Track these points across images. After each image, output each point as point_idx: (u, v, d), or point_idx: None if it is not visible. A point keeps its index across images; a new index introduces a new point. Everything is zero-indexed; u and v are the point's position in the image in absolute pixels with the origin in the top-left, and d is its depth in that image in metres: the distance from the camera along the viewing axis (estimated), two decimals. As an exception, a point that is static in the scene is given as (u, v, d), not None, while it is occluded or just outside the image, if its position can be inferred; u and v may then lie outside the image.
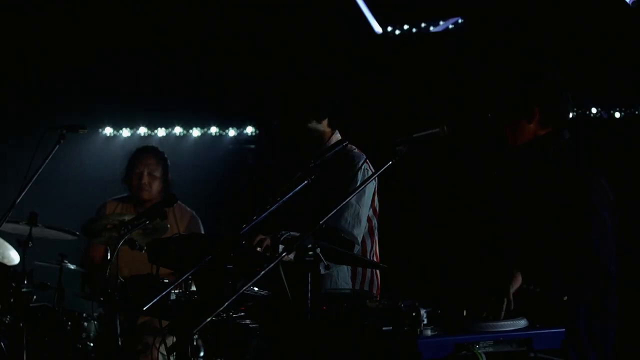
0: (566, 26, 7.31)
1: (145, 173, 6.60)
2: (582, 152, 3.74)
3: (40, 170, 5.18)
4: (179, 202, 6.44)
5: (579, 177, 3.60)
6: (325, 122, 4.60)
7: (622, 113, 7.55)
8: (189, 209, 6.73)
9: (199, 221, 6.75)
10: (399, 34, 8.52)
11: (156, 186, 6.61)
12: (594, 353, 3.61)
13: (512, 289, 3.35)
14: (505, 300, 3.30)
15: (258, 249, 4.07)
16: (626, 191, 6.24)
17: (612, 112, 7.58)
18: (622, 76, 7.35)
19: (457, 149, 6.98)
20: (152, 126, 9.70)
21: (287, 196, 3.81)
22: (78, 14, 8.67)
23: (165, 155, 6.83)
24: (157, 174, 6.63)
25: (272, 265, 3.25)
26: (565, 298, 3.46)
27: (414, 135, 3.52)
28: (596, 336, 3.62)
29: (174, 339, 4.31)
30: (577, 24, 7.28)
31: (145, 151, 6.77)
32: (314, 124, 4.57)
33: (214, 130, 9.62)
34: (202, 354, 5.60)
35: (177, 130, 9.67)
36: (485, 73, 3.86)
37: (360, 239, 4.44)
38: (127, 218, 5.41)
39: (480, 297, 3.34)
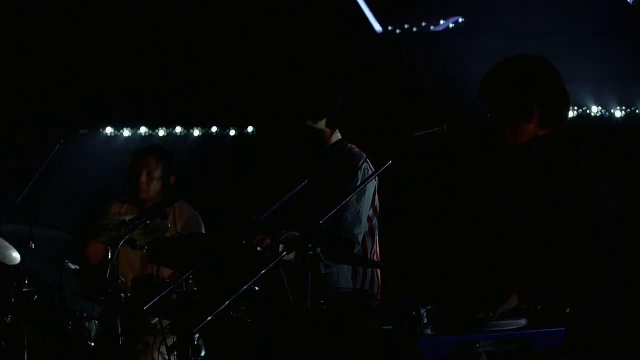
0: (566, 25, 7.31)
1: (144, 173, 6.60)
2: (583, 152, 3.73)
3: (41, 170, 5.18)
4: (181, 201, 6.46)
5: (579, 178, 3.59)
6: (323, 121, 4.60)
7: (623, 112, 7.55)
8: (190, 207, 6.73)
9: (200, 219, 6.74)
10: (399, 33, 8.53)
11: (154, 186, 6.60)
12: (595, 353, 3.60)
13: (502, 309, 3.33)
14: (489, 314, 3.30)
15: (258, 248, 4.07)
16: (627, 190, 6.25)
17: (612, 111, 7.58)
18: (623, 75, 7.35)
19: (457, 149, 6.98)
20: (153, 126, 9.70)
21: (287, 196, 3.82)
22: (78, 14, 8.68)
23: (172, 157, 6.81)
24: (156, 174, 6.61)
25: (272, 265, 3.25)
26: (568, 310, 3.45)
27: (414, 135, 3.52)
28: (597, 336, 3.61)
29: (175, 339, 4.31)
30: (577, 22, 7.28)
31: (146, 151, 6.77)
32: (311, 124, 4.57)
33: (214, 130, 9.63)
34: (203, 353, 5.60)
35: (178, 130, 9.67)
36: (485, 73, 3.84)
37: (360, 239, 4.44)
38: (127, 218, 5.41)
39: (473, 302, 3.34)
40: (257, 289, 3.94)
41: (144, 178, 6.57)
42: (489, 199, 4.03)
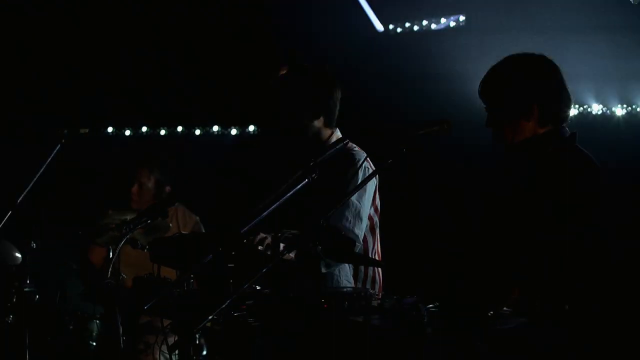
0: (567, 22, 7.30)
1: (136, 184, 6.69)
2: (582, 150, 3.72)
3: (42, 170, 5.19)
4: (184, 207, 6.51)
5: (578, 177, 3.58)
6: (320, 120, 4.59)
7: (624, 110, 7.53)
8: (194, 215, 6.77)
9: (202, 227, 6.78)
10: (400, 32, 8.52)
11: (146, 197, 6.68)
12: (595, 350, 3.60)
13: (505, 303, 3.32)
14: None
15: (259, 247, 4.07)
16: (628, 188, 6.23)
17: (614, 109, 7.57)
18: (624, 72, 7.34)
19: (458, 146, 6.97)
20: (154, 125, 9.70)
21: (288, 194, 3.81)
22: (79, 14, 8.68)
23: (165, 167, 6.86)
24: (148, 185, 6.70)
25: (273, 264, 3.24)
26: (567, 307, 3.44)
27: (415, 133, 3.52)
28: (597, 333, 3.61)
29: (176, 338, 4.30)
30: (579, 20, 7.27)
31: (140, 162, 6.84)
32: (307, 122, 4.57)
33: (215, 129, 9.62)
34: (204, 353, 5.60)
35: (179, 129, 9.67)
36: (484, 71, 3.85)
37: (361, 238, 4.43)
38: (128, 217, 5.41)
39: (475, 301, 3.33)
40: (258, 287, 3.95)
41: (135, 189, 6.67)
42: (487, 195, 4.02)
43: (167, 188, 6.78)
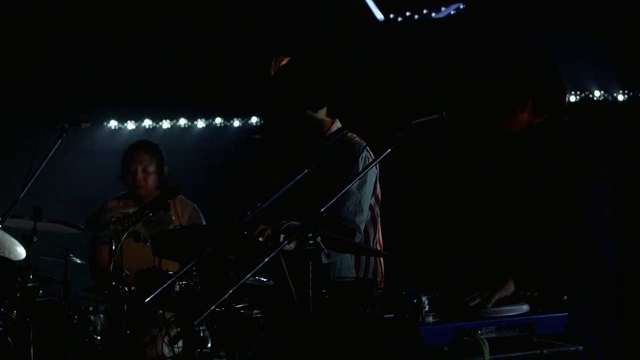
0: (569, 8, 7.28)
1: (140, 170, 6.65)
2: (580, 139, 3.70)
3: (44, 164, 5.18)
4: (180, 195, 6.46)
5: (575, 167, 3.56)
6: (323, 111, 4.59)
7: (626, 96, 7.50)
8: (190, 202, 6.76)
9: (200, 214, 6.77)
10: (401, 21, 8.51)
11: (151, 181, 6.66)
12: (595, 342, 3.59)
13: (498, 296, 3.31)
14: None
15: (260, 238, 4.07)
16: (630, 176, 6.22)
17: (615, 94, 7.54)
18: (626, 58, 7.31)
19: (457, 137, 6.96)
20: (156, 118, 9.70)
21: (288, 185, 3.81)
22: (80, 8, 8.67)
23: (160, 148, 6.86)
24: (151, 169, 6.68)
25: (272, 255, 3.24)
26: (565, 297, 3.44)
27: (413, 122, 3.52)
28: (597, 324, 3.61)
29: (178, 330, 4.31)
30: (580, 5, 7.25)
31: (137, 147, 6.80)
32: (310, 113, 4.56)
33: (218, 121, 9.62)
34: (209, 345, 5.61)
35: (182, 121, 9.67)
36: (481, 62, 3.83)
37: (362, 228, 4.43)
38: (130, 211, 5.42)
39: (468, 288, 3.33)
40: (262, 279, 3.95)
41: (140, 175, 6.63)
42: (486, 185, 4.01)
43: (166, 169, 6.79)
